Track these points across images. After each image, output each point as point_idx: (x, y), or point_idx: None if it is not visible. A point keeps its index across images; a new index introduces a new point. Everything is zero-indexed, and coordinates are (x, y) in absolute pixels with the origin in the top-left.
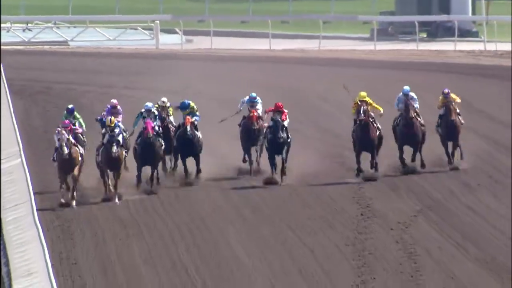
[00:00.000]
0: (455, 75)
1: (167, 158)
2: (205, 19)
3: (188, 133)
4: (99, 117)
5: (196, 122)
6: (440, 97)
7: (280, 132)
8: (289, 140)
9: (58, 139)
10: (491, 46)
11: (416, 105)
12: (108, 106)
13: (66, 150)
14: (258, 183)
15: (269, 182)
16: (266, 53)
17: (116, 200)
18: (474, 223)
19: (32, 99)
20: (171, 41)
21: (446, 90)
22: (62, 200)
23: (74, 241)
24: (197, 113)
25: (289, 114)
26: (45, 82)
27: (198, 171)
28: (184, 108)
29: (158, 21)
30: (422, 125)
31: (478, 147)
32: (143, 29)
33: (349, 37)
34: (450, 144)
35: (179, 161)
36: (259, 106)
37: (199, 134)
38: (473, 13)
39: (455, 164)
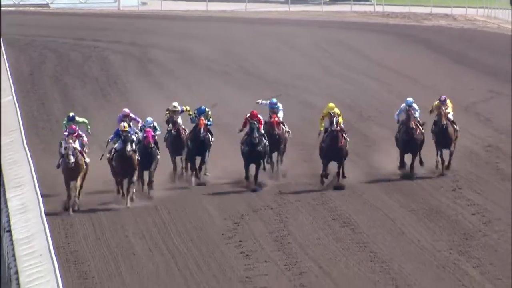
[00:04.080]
0: (351, 30)
1: (178, 159)
2: None
3: (201, 134)
4: (110, 139)
5: (209, 127)
6: (436, 103)
7: (256, 132)
8: (266, 144)
9: (65, 148)
10: (379, 8)
11: (417, 114)
12: (120, 115)
13: (72, 159)
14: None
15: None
16: (203, 14)
17: (128, 203)
18: (366, 149)
19: (21, 49)
20: (129, 4)
21: (443, 97)
22: (70, 211)
23: (57, 158)
24: (211, 119)
25: (220, 61)
26: (30, 36)
27: (205, 169)
28: (200, 113)
29: None
30: (422, 133)
31: (365, 86)
32: None
33: (269, 1)
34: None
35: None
36: (280, 114)
37: (211, 137)
38: None
39: (443, 169)
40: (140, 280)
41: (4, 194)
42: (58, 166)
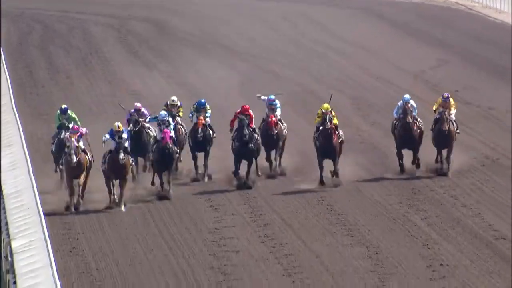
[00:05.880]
0: (312, 5)
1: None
2: None
3: (199, 135)
4: (105, 139)
5: (208, 121)
6: (438, 100)
7: (246, 129)
8: (258, 142)
9: (67, 147)
10: None
11: (414, 113)
12: (132, 110)
13: (74, 159)
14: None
15: (241, 187)
16: None
17: (122, 207)
18: None
19: (11, 20)
20: None
21: (445, 95)
22: (72, 208)
23: (47, 121)
24: (209, 111)
25: (194, 33)
26: (20, 8)
27: (205, 165)
28: (200, 106)
29: None
30: (419, 127)
31: (326, 56)
32: None
33: None
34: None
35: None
36: (278, 111)
37: (211, 132)
38: None
39: (444, 170)
40: (119, 231)
41: None
42: (61, 164)
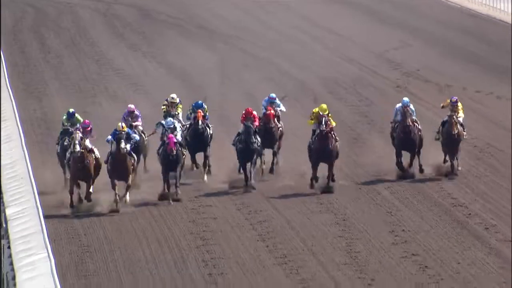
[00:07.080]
0: None
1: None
2: None
3: (200, 127)
4: (108, 139)
5: (207, 120)
6: (446, 101)
7: (253, 137)
8: (258, 146)
9: (72, 137)
10: None
11: (413, 116)
12: (125, 111)
13: (78, 148)
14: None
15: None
16: None
17: (122, 204)
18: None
19: (5, 5)
20: None
21: (454, 98)
22: (73, 205)
23: (39, 97)
24: (207, 113)
25: (175, 15)
26: None
27: (208, 166)
28: (197, 107)
29: None
30: (419, 130)
31: (301, 41)
32: None
33: None
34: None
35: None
36: (282, 107)
37: (210, 130)
38: None
39: (454, 171)
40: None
41: None
42: (68, 161)
